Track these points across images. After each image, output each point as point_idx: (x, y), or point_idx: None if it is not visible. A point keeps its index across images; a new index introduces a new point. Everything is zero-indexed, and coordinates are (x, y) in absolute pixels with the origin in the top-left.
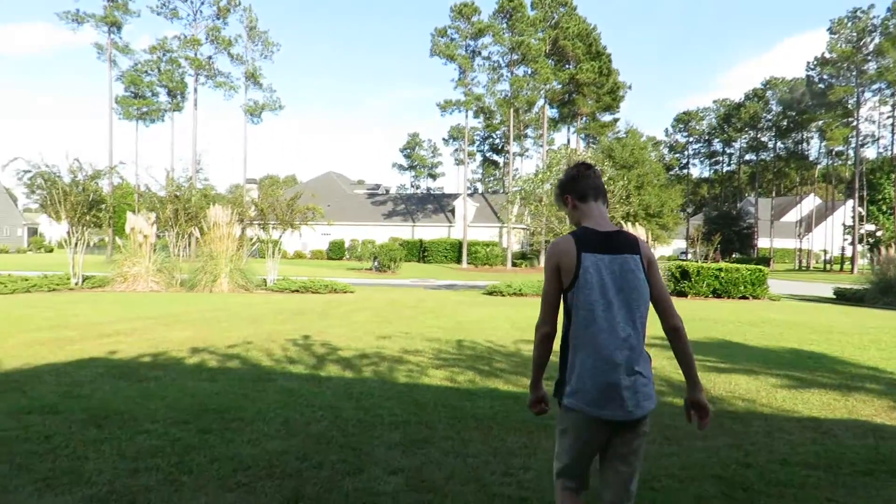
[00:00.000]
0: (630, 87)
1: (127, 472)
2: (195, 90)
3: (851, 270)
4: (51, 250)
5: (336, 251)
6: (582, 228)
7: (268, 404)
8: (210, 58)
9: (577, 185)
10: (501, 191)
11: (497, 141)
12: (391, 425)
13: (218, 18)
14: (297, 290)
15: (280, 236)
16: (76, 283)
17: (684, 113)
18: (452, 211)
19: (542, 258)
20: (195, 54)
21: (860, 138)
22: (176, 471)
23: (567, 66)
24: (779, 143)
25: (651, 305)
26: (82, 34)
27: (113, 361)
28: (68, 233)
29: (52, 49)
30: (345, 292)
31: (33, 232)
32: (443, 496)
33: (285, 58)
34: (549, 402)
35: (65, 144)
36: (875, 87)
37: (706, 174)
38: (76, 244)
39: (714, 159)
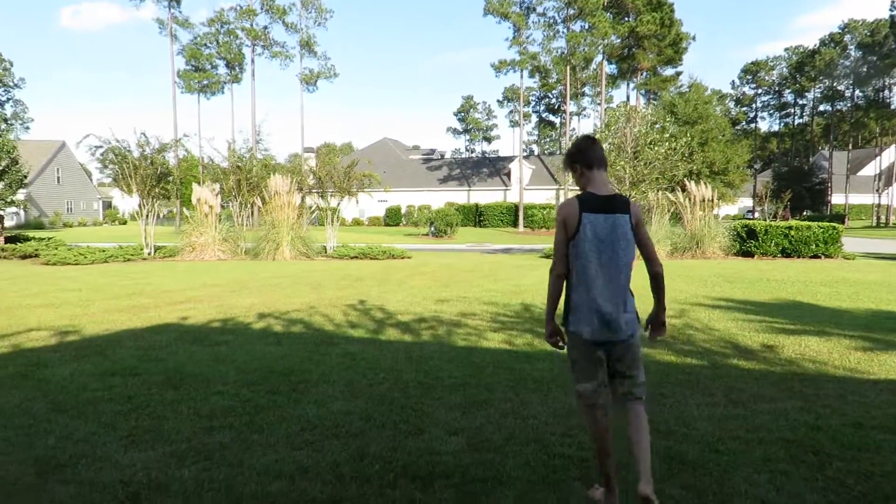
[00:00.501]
0: (694, 39)
1: (203, 430)
2: (252, 61)
3: None
4: (124, 222)
5: (393, 218)
6: (587, 193)
7: (331, 367)
8: (265, 28)
9: (586, 156)
10: (558, 152)
11: (553, 101)
12: (451, 387)
13: None
14: (356, 257)
15: (338, 204)
16: (149, 254)
17: (752, 63)
18: (508, 174)
19: None
20: (251, 25)
21: None
22: (247, 429)
23: (626, 18)
24: (857, 92)
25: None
26: (144, 10)
27: (186, 327)
28: (139, 205)
29: (119, 27)
30: (402, 258)
31: (107, 205)
32: (503, 456)
33: (338, 25)
34: (563, 336)
35: (133, 120)
36: None
37: (776, 128)
38: (147, 216)
39: (785, 112)
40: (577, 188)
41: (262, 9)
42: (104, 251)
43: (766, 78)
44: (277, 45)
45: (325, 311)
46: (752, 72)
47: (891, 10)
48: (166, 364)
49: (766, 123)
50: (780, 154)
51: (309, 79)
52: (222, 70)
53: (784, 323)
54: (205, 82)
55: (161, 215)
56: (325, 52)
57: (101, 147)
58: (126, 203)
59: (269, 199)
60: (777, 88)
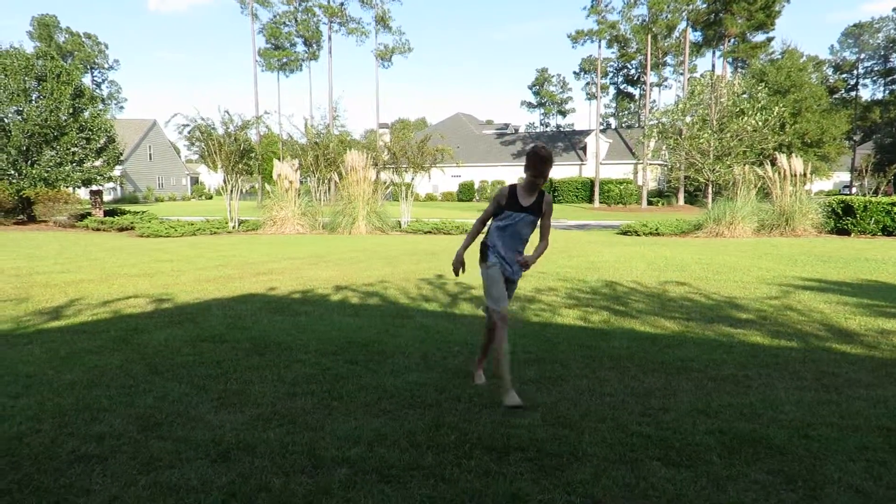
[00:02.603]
0: (788, 1)
1: (286, 395)
2: (329, 38)
3: None
4: (210, 197)
5: (466, 193)
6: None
7: (407, 339)
8: (342, 4)
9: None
10: (636, 125)
11: (632, 72)
12: (525, 362)
13: None
14: (430, 232)
15: (412, 179)
16: (233, 227)
17: (855, 25)
18: (584, 148)
19: (681, 196)
20: (328, 2)
21: None
22: (328, 396)
23: None
24: None
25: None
26: None
27: (269, 297)
28: (224, 181)
29: (203, 7)
30: None
31: (195, 181)
32: (579, 432)
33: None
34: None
35: (217, 98)
36: None
37: (880, 96)
38: (231, 191)
39: (890, 78)
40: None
41: None
42: (192, 224)
43: (870, 41)
44: (353, 22)
45: (399, 284)
46: (854, 35)
47: None
48: (251, 332)
49: (869, 91)
50: (883, 124)
51: (384, 54)
52: (300, 48)
53: (885, 306)
54: (284, 60)
55: (244, 190)
56: (399, 28)
57: (187, 125)
58: (212, 179)
59: (346, 174)
60: (883, 53)
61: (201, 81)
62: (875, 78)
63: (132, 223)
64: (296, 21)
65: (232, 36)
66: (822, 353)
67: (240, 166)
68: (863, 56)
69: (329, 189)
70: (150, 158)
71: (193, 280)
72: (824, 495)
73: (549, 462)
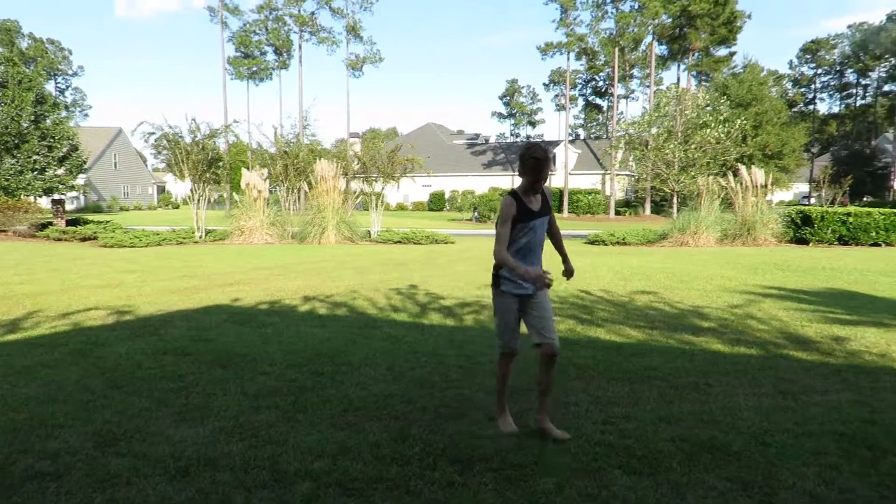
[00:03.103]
0: (749, 17)
1: (250, 408)
2: (300, 47)
3: None
4: (177, 207)
5: (437, 202)
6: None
7: (374, 350)
8: (313, 13)
9: None
10: (605, 136)
11: (600, 84)
12: (492, 372)
13: None
14: (400, 242)
15: (382, 189)
16: (200, 237)
17: (812, 42)
18: (553, 158)
19: (647, 206)
20: (299, 11)
21: None
22: (292, 409)
23: None
24: None
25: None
26: None
27: (235, 308)
28: (191, 190)
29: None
30: (446, 243)
31: (161, 190)
32: (544, 442)
33: (384, 9)
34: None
35: (185, 107)
36: None
37: (836, 109)
38: (198, 200)
39: (846, 92)
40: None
41: None
42: (158, 234)
43: (827, 57)
44: (324, 31)
45: (368, 294)
46: (811, 51)
47: None
48: (215, 344)
49: (826, 105)
50: (839, 137)
51: (355, 64)
52: (271, 56)
53: (839, 313)
54: (254, 69)
55: (212, 200)
56: (370, 37)
57: (154, 133)
58: (179, 188)
59: (316, 183)
60: (838, 68)
61: (169, 89)
62: (831, 92)
63: (95, 233)
64: (266, 30)
65: (201, 44)
66: (780, 361)
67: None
68: (885, 55)
69: (298, 198)
70: (116, 167)
71: (157, 291)
72: (779, 500)
73: (512, 473)
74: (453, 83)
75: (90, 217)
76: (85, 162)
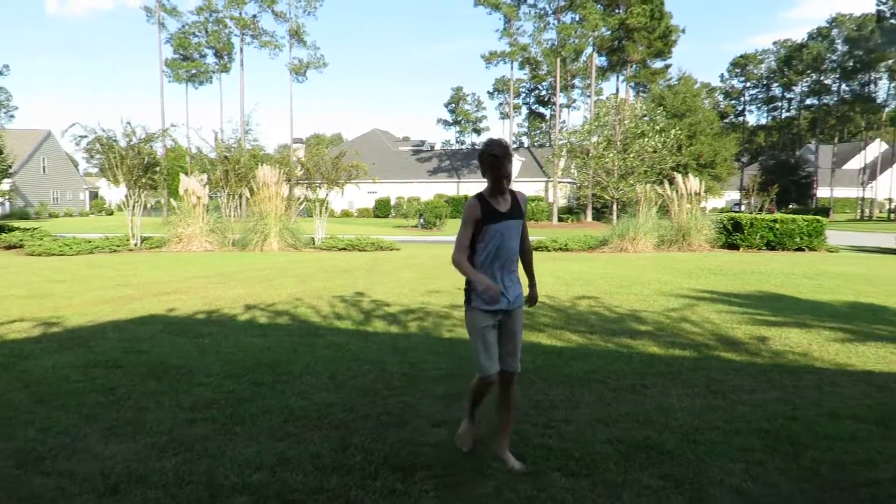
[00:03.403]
0: (683, 31)
1: (185, 422)
2: (241, 50)
3: None
4: (111, 213)
5: (382, 209)
6: None
7: (316, 358)
8: (255, 16)
9: None
10: (548, 144)
11: (543, 93)
12: (435, 379)
13: None
14: (345, 248)
15: (326, 195)
16: (135, 245)
17: (741, 56)
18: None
19: (589, 213)
20: (240, 13)
21: None
22: (230, 421)
23: (616, 10)
24: (843, 86)
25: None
26: None
27: (170, 318)
28: (126, 195)
29: (106, 14)
30: (391, 249)
31: (94, 195)
32: (485, 447)
33: (328, 14)
34: None
35: (120, 110)
36: None
37: (763, 121)
38: (134, 206)
39: (772, 105)
40: (510, 184)
41: None
42: (90, 242)
43: (755, 71)
44: (267, 35)
45: (311, 302)
46: (740, 65)
47: (877, 4)
48: (150, 356)
49: (755, 117)
50: (767, 147)
51: (298, 69)
52: (211, 59)
53: (766, 315)
54: (193, 71)
55: (148, 206)
56: (314, 42)
57: (86, 137)
58: (113, 193)
59: (257, 190)
60: (765, 82)
61: (103, 91)
62: (759, 105)
63: (21, 241)
64: (206, 32)
65: (137, 45)
66: (712, 361)
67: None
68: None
69: (240, 205)
70: (44, 171)
71: (88, 301)
72: (708, 496)
73: (453, 479)
74: (399, 90)
75: (16, 224)
76: (10, 166)
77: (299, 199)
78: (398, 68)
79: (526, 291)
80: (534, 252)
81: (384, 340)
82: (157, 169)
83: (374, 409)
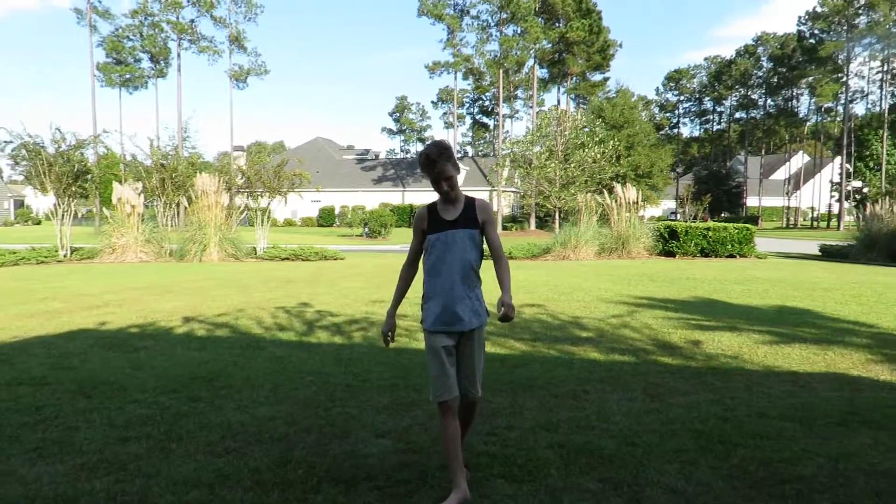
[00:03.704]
0: (621, 46)
1: (117, 440)
2: (178, 55)
3: (838, 227)
4: (38, 223)
5: (326, 218)
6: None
7: (257, 371)
8: (192, 21)
9: None
10: (492, 154)
11: (487, 103)
12: (379, 389)
13: None
14: (287, 258)
15: (268, 204)
16: (64, 255)
17: (675, 71)
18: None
19: (532, 221)
20: (177, 18)
21: (849, 94)
22: (166, 438)
23: (557, 24)
24: (769, 101)
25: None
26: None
27: (102, 332)
28: (55, 204)
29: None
30: (335, 259)
31: (20, 204)
32: (428, 457)
33: (270, 21)
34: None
35: (48, 115)
36: (865, 41)
37: (696, 133)
38: (63, 216)
39: (704, 118)
40: (456, 189)
41: (188, 1)
42: (15, 253)
43: (688, 85)
44: (205, 40)
45: (252, 313)
46: (674, 79)
47: (798, 25)
48: (79, 372)
49: (688, 129)
50: (700, 158)
51: (239, 75)
52: (146, 64)
53: (701, 320)
54: (127, 76)
55: (79, 215)
56: (255, 49)
57: (11, 142)
58: (40, 202)
59: (196, 198)
60: (697, 96)
61: (29, 96)
62: (692, 118)
63: None
64: (141, 35)
65: (66, 47)
66: (650, 366)
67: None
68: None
69: (177, 214)
70: None
71: (12, 316)
72: (645, 497)
73: (397, 489)
74: (343, 98)
75: None
76: None
77: (240, 208)
78: (342, 76)
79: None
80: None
81: (328, 351)
82: (89, 177)
83: (317, 422)
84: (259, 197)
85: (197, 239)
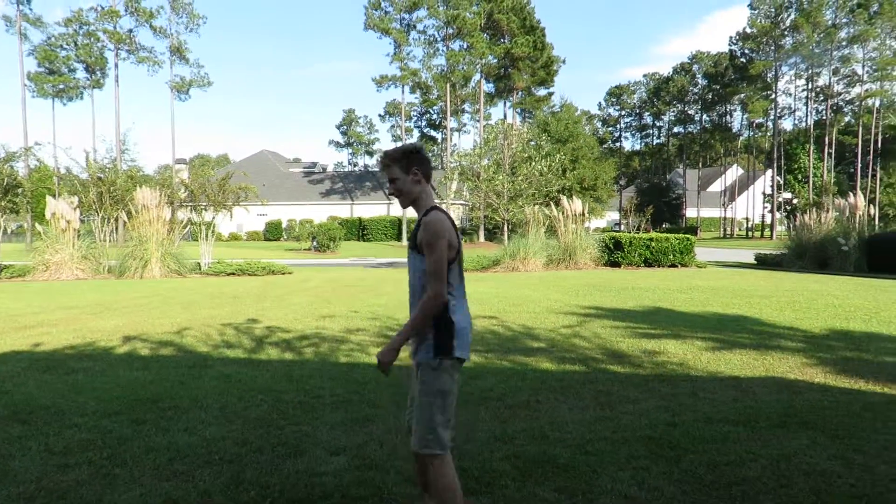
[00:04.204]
0: (564, 62)
1: (56, 467)
2: (116, 65)
3: (771, 237)
4: None
5: (273, 232)
6: (437, 206)
7: (204, 391)
8: (131, 31)
9: (428, 165)
10: (440, 167)
11: (434, 116)
12: (333, 405)
13: None
14: (233, 273)
15: (213, 218)
16: None
17: (616, 87)
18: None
19: (481, 234)
20: (115, 27)
21: (778, 111)
22: (109, 463)
23: (502, 40)
24: (704, 116)
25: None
26: None
27: (37, 354)
28: None
29: None
30: (283, 273)
31: None
32: (384, 472)
33: (213, 32)
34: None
35: None
36: (791, 61)
37: (638, 147)
38: None
39: (645, 132)
40: (404, 197)
41: (126, 11)
42: None
43: (628, 101)
44: (145, 50)
45: (198, 331)
46: (616, 95)
47: (729, 45)
48: (12, 397)
49: (630, 143)
50: (642, 171)
51: (180, 87)
52: (81, 74)
53: (647, 328)
54: (61, 86)
55: (9, 231)
56: (197, 60)
57: None
58: None
59: (136, 213)
60: (638, 111)
61: None
62: (633, 132)
63: None
64: (76, 45)
65: None
66: (600, 375)
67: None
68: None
69: (116, 229)
70: None
71: None
72: None
73: None
74: (289, 111)
75: None
76: None
77: (183, 222)
78: (288, 89)
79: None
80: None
81: (278, 368)
82: (20, 191)
83: (269, 441)
84: (203, 211)
85: (137, 254)
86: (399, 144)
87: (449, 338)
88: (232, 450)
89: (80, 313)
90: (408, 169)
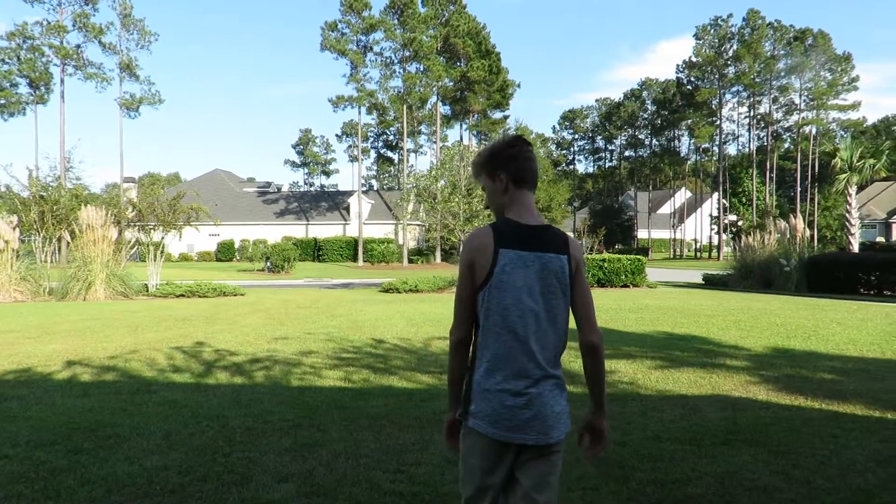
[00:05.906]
0: (519, 86)
1: None
2: (62, 81)
3: (718, 257)
4: None
5: (225, 252)
6: (504, 220)
7: (147, 417)
8: (78, 46)
9: (518, 165)
10: (397, 188)
11: (391, 137)
12: (281, 431)
13: (86, 4)
14: (183, 295)
15: (162, 238)
16: None
17: (570, 111)
18: (347, 208)
19: (438, 254)
20: (61, 42)
21: (723, 136)
22: (41, 496)
23: (458, 63)
24: (654, 141)
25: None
26: None
27: None
28: None
29: None
30: (235, 295)
31: None
32: (333, 499)
33: (166, 49)
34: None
35: None
36: (734, 89)
37: (591, 170)
38: None
39: (597, 155)
40: (492, 211)
41: (74, 26)
42: None
43: (581, 125)
44: (93, 66)
45: (143, 355)
46: (569, 118)
47: (676, 72)
48: None
49: (583, 165)
50: (595, 193)
51: (130, 104)
52: (24, 89)
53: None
54: (1, 101)
55: None
56: (148, 77)
57: None
58: None
59: (80, 232)
60: (591, 135)
61: None
62: (586, 155)
63: None
64: (19, 59)
65: None
66: None
67: None
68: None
69: (59, 250)
70: None
71: None
72: None
73: None
74: (243, 130)
75: None
76: None
77: (130, 242)
78: (242, 108)
79: None
80: (386, 292)
81: (226, 393)
82: None
83: (214, 469)
84: (151, 231)
85: (81, 276)
86: (493, 140)
87: (467, 400)
88: (174, 479)
89: (17, 337)
90: (493, 175)
